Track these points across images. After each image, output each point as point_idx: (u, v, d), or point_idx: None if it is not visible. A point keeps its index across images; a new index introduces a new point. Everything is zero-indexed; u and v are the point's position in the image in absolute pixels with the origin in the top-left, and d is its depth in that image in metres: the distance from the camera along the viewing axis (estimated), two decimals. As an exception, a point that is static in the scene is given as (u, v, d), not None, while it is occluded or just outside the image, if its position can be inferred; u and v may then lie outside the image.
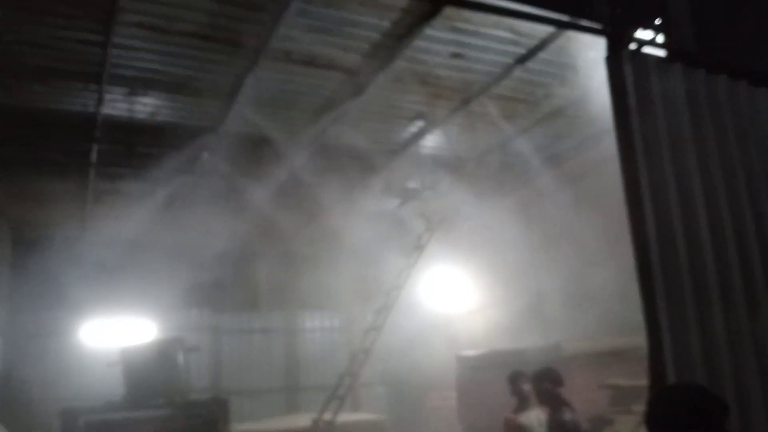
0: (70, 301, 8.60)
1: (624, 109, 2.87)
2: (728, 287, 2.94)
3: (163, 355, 6.77)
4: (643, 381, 3.12)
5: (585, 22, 3.26)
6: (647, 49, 3.03)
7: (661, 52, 3.04)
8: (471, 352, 7.68)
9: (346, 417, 8.36)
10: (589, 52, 4.97)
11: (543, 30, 4.98)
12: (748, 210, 3.04)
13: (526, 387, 4.35)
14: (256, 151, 6.81)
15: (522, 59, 5.43)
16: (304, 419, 8.43)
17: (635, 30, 3.25)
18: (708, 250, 2.92)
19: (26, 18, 4.64)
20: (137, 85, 5.53)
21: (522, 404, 4.41)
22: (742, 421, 2.76)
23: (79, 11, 4.60)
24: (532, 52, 5.33)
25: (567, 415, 4.00)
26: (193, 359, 7.36)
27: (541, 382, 4.10)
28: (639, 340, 3.23)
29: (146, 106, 5.91)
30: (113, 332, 8.95)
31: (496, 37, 5.17)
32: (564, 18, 3.60)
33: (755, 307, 2.95)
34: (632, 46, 2.99)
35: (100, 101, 5.65)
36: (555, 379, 4.08)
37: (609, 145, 3.42)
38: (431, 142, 7.16)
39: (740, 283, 2.94)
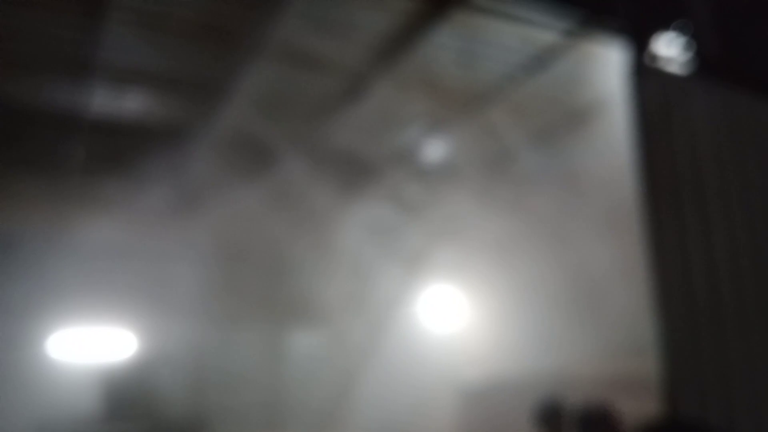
0: (44, 309, 8.55)
1: (643, 124, 2.94)
2: (745, 311, 3.01)
3: (142, 369, 6.79)
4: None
5: (604, 34, 3.34)
6: (667, 64, 3.10)
7: (682, 67, 3.12)
8: (475, 382, 7.66)
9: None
10: (603, 65, 5.05)
11: (555, 39, 5.05)
12: (765, 234, 3.11)
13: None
14: (247, 153, 6.84)
15: (532, 69, 5.51)
16: (289, 439, 8.43)
17: (656, 43, 3.33)
18: (725, 273, 2.98)
19: (11, 8, 4.66)
20: (126, 82, 5.56)
21: None
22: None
23: (68, 3, 4.63)
24: (542, 62, 5.41)
25: None
26: (173, 373, 7.36)
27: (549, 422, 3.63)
28: (648, 362, 3.27)
29: (135, 104, 5.94)
30: (90, 343, 8.92)
31: (505, 44, 5.25)
32: (581, 28, 3.67)
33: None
34: (652, 59, 3.06)
35: (87, 98, 5.67)
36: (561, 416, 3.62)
37: (623, 159, 3.49)
38: (433, 149, 7.23)
39: (756, 307, 3.01)
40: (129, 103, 5.89)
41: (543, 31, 4.84)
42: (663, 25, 3.36)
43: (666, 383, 2.83)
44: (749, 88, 3.12)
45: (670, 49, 3.26)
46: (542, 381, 6.49)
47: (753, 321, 2.89)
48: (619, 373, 6.01)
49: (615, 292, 5.88)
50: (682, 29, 3.35)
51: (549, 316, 7.83)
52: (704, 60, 3.49)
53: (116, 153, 6.56)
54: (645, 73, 3.06)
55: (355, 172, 7.39)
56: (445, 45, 5.28)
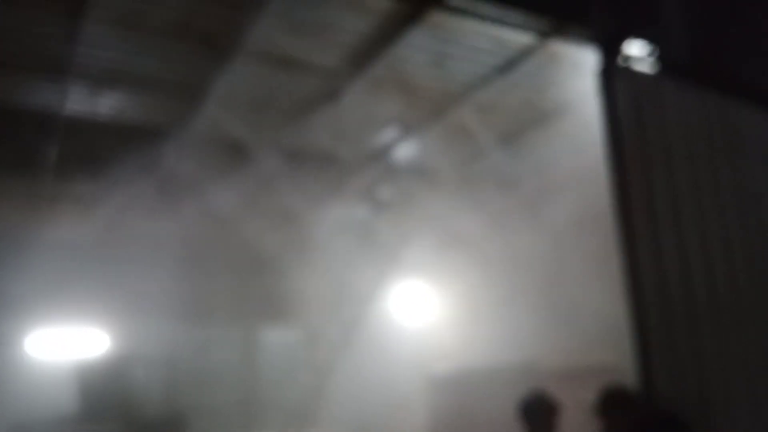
0: (18, 308, 8.45)
1: (615, 124, 3.04)
2: (717, 301, 3.13)
3: (117, 368, 6.76)
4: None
5: (575, 35, 3.44)
6: (639, 64, 3.21)
7: (653, 67, 3.23)
8: (444, 372, 7.76)
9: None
10: (574, 66, 5.16)
11: (527, 40, 5.15)
12: (737, 231, 3.24)
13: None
14: (223, 153, 6.86)
15: (504, 69, 5.61)
16: (265, 437, 8.45)
17: (627, 44, 3.43)
18: (697, 266, 3.10)
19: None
20: (103, 81, 5.54)
21: None
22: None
23: (47, 1, 4.61)
24: (514, 63, 5.51)
25: None
26: (148, 372, 7.33)
27: (533, 415, 3.54)
28: (616, 356, 3.38)
29: (111, 103, 5.91)
30: (64, 343, 8.83)
31: (478, 46, 5.34)
32: (553, 30, 3.77)
33: (743, 325, 3.14)
34: (624, 60, 3.17)
35: (62, 97, 5.64)
36: (549, 409, 3.58)
37: (594, 158, 3.60)
38: (407, 150, 7.31)
39: (728, 297, 3.13)
40: (106, 102, 5.87)
41: (516, 33, 4.94)
42: (634, 25, 3.47)
43: (640, 374, 2.93)
44: (720, 87, 3.25)
45: (641, 49, 3.38)
46: (512, 370, 6.59)
47: (726, 310, 3.01)
48: (591, 365, 6.15)
49: (587, 285, 6.02)
50: (652, 30, 3.47)
51: (520, 310, 7.97)
52: (675, 60, 3.60)
53: (92, 152, 6.52)
54: (616, 74, 3.16)
55: (330, 171, 7.45)
56: (419, 46, 5.35)
